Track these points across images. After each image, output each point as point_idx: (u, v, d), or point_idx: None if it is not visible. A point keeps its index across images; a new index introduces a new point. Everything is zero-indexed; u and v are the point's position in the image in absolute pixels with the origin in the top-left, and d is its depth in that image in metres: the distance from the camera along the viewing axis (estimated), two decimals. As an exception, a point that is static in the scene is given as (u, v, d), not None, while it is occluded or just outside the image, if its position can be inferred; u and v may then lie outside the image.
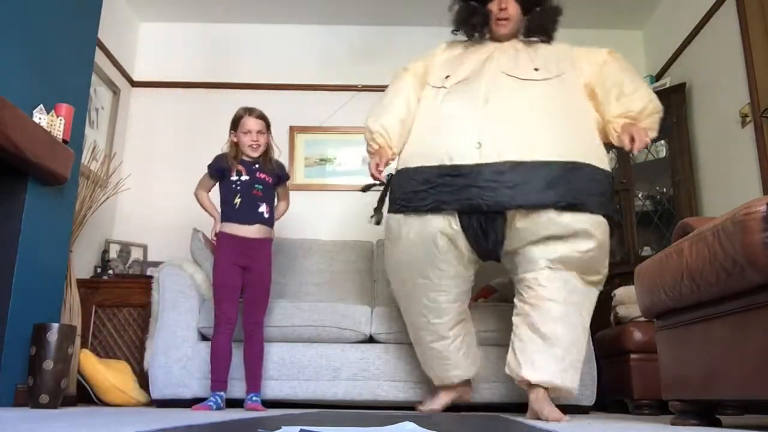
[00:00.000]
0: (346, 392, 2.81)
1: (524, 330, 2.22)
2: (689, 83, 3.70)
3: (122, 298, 3.36)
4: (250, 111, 2.82)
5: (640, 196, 3.81)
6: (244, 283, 2.68)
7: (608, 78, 2.36)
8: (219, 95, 4.19)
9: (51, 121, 2.46)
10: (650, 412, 2.70)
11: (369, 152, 2.52)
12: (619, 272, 3.49)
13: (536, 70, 2.32)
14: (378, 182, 2.46)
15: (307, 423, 1.41)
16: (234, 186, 2.73)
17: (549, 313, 2.19)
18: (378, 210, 2.55)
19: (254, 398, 2.59)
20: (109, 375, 2.89)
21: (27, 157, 2.25)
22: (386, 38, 4.35)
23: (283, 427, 1.23)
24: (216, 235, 2.75)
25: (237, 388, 2.70)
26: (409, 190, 2.29)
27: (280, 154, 2.93)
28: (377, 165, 2.40)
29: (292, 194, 4.16)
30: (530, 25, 2.48)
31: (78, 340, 2.76)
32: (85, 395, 2.87)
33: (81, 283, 3.13)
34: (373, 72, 4.24)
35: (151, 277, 3.13)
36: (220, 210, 2.78)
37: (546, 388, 2.18)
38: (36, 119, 2.39)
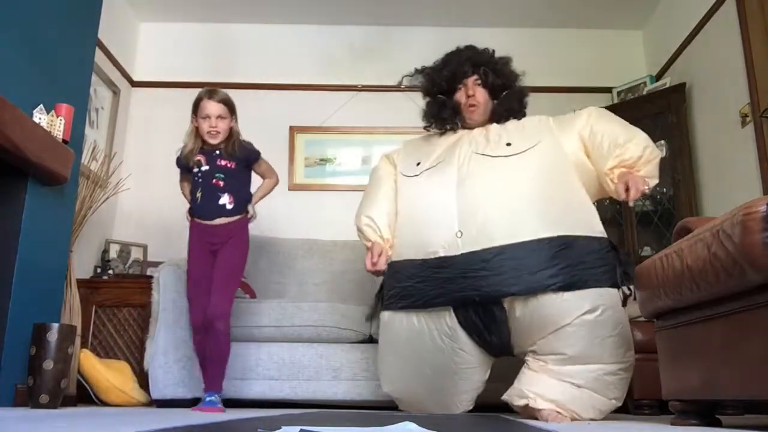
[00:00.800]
0: (346, 392, 2.81)
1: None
2: (689, 83, 3.70)
3: (122, 298, 3.36)
4: (210, 93, 2.59)
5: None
6: (215, 262, 2.55)
7: (598, 132, 2.23)
8: (219, 95, 4.18)
9: (51, 121, 2.46)
10: (650, 412, 2.70)
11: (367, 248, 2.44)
12: (619, 272, 3.49)
13: (508, 145, 2.22)
14: (381, 275, 2.37)
15: (307, 423, 1.41)
16: (196, 178, 2.59)
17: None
18: (375, 309, 2.47)
19: (208, 398, 2.38)
20: (109, 375, 2.89)
21: (27, 157, 2.25)
22: (386, 38, 4.35)
23: (283, 427, 1.23)
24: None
25: (237, 387, 2.70)
26: (398, 285, 2.23)
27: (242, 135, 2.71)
28: (371, 258, 2.32)
29: (292, 194, 4.21)
30: (498, 110, 2.42)
31: (78, 340, 2.76)
32: (85, 395, 2.87)
33: (81, 283, 3.13)
34: (373, 72, 4.25)
35: (151, 277, 3.13)
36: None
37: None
38: (36, 119, 2.39)
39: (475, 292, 2.03)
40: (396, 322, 2.26)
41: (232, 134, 2.63)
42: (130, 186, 3.83)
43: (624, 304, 2.10)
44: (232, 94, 4.03)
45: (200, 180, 2.58)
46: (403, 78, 2.62)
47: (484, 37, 4.33)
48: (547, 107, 4.08)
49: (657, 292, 1.80)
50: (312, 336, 2.87)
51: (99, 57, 3.42)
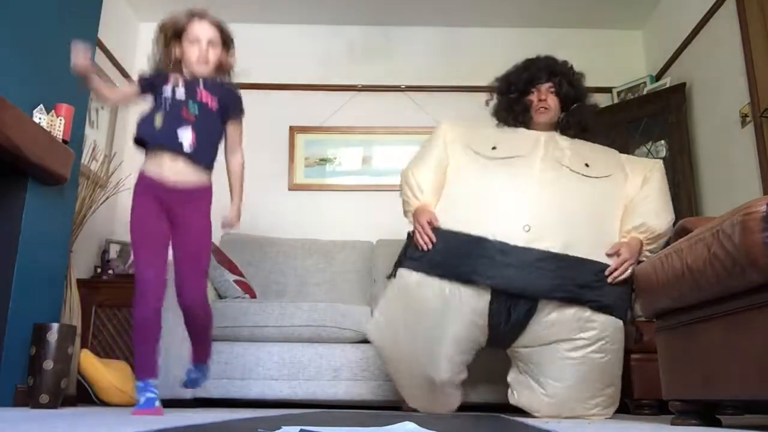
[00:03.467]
0: (346, 392, 2.81)
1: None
2: (689, 83, 3.70)
3: (122, 298, 3.35)
4: (200, 14, 2.16)
5: (640, 196, 3.80)
6: (172, 240, 2.11)
7: (640, 192, 2.36)
8: (219, 95, 4.18)
9: (51, 121, 2.46)
10: (650, 412, 2.70)
11: (406, 209, 2.43)
12: (619, 272, 3.49)
13: (587, 165, 2.33)
14: (427, 245, 2.28)
15: (307, 423, 1.41)
16: (161, 102, 2.09)
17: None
18: (399, 264, 2.40)
19: (193, 374, 2.21)
20: (109, 375, 2.89)
21: (27, 157, 2.25)
22: (386, 38, 4.35)
23: (283, 427, 1.23)
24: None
25: (237, 387, 2.70)
26: (443, 252, 2.23)
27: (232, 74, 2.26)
28: (431, 222, 2.28)
29: (292, 194, 4.20)
30: (568, 119, 2.52)
31: (78, 340, 2.76)
32: (85, 395, 2.87)
33: (81, 283, 3.12)
34: (373, 72, 4.25)
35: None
36: (136, 129, 2.14)
37: None
38: (36, 119, 2.39)
39: (523, 285, 2.14)
40: (428, 288, 2.24)
41: (223, 68, 2.21)
42: (130, 186, 3.82)
43: (629, 342, 2.33)
44: None
45: (167, 104, 2.08)
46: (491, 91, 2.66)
47: (484, 37, 4.38)
48: (547, 107, 4.10)
49: (657, 292, 1.81)
50: (312, 336, 2.87)
51: (99, 57, 3.42)
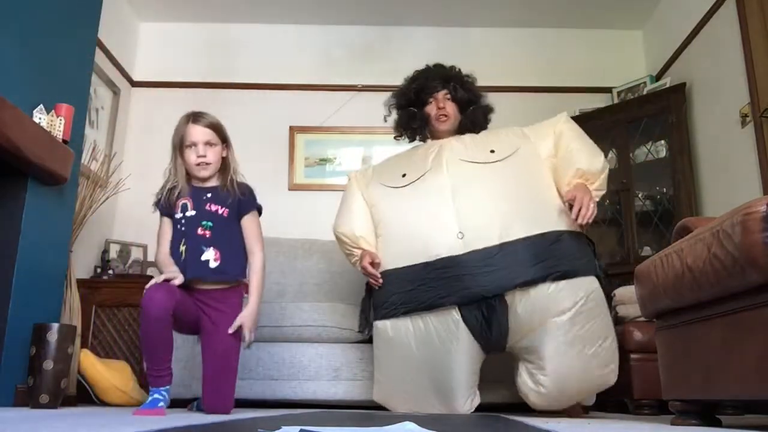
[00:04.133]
0: (346, 392, 2.81)
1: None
2: (689, 83, 3.70)
3: (122, 298, 3.36)
4: (195, 116, 2.17)
5: (640, 196, 3.81)
6: (201, 342, 2.15)
7: (565, 145, 2.37)
8: (219, 95, 4.19)
9: (51, 121, 2.46)
10: (650, 412, 2.70)
11: (352, 261, 2.47)
12: (619, 272, 3.49)
13: (492, 152, 2.36)
14: (376, 282, 2.35)
15: (307, 423, 1.41)
16: (179, 227, 2.16)
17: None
18: (365, 319, 2.45)
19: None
20: (109, 375, 2.89)
21: (27, 157, 2.25)
22: (386, 38, 4.35)
23: (283, 427, 1.23)
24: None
25: (237, 387, 2.69)
26: (398, 291, 2.26)
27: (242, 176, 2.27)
28: (372, 262, 2.33)
29: (293, 194, 4.21)
30: (464, 122, 2.57)
31: (78, 340, 2.76)
32: (85, 395, 2.87)
33: (81, 283, 3.12)
34: (373, 72, 4.26)
35: (151, 276, 3.12)
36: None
37: None
38: (36, 119, 2.39)
39: (482, 288, 2.15)
40: (402, 329, 2.28)
41: (226, 167, 2.20)
42: (130, 186, 3.82)
43: (606, 291, 2.28)
44: (232, 94, 3.94)
45: (184, 229, 2.13)
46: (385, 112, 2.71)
47: (484, 37, 4.38)
48: (548, 107, 4.09)
49: (657, 292, 1.81)
50: (312, 336, 2.87)
51: (99, 57, 3.42)
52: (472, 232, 2.18)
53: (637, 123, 3.83)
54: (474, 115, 2.58)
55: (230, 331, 2.09)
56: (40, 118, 2.41)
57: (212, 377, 2.09)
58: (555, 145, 2.40)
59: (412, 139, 2.65)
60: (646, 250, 3.64)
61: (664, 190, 3.77)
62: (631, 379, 2.76)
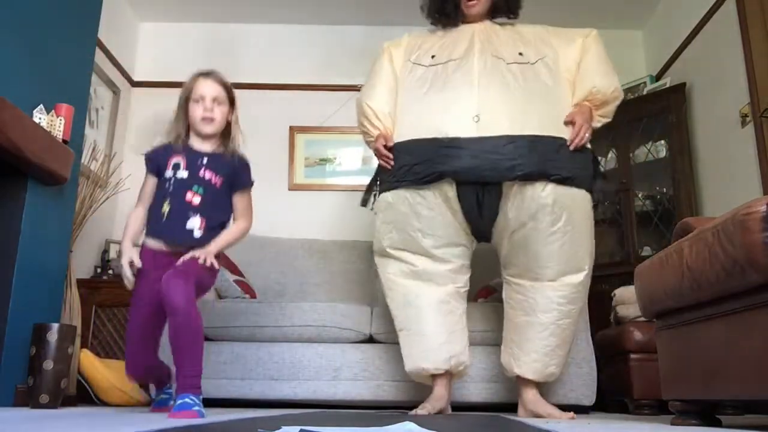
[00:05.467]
0: (346, 392, 2.81)
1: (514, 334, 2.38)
2: (689, 83, 3.70)
3: (122, 298, 3.35)
4: (206, 73, 2.13)
5: (640, 196, 3.81)
6: None
7: (585, 63, 2.43)
8: (219, 95, 4.19)
9: (51, 121, 2.46)
10: (650, 412, 2.70)
11: (367, 139, 2.52)
12: (619, 272, 3.49)
13: (520, 54, 2.40)
14: (387, 163, 2.39)
15: (307, 423, 1.41)
16: (166, 185, 2.04)
17: (541, 328, 2.32)
18: (369, 191, 2.53)
19: (169, 398, 2.07)
20: (109, 375, 2.89)
21: (27, 157, 2.25)
22: (386, 38, 4.33)
23: (283, 427, 1.23)
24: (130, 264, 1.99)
25: (237, 387, 2.69)
26: (405, 164, 2.31)
27: (243, 143, 2.18)
28: (386, 144, 2.38)
29: (292, 194, 4.21)
30: (497, 3, 2.58)
31: (78, 340, 2.76)
32: (85, 395, 2.87)
33: (81, 283, 3.12)
34: (373, 72, 4.25)
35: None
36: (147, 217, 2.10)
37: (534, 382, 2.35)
38: (36, 119, 2.39)
39: (485, 171, 2.20)
40: (399, 200, 2.34)
41: (229, 132, 2.13)
42: (130, 186, 3.82)
43: (595, 209, 2.40)
44: None
45: (171, 189, 2.02)
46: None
47: (484, 37, 4.37)
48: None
49: (657, 292, 1.81)
50: (312, 336, 2.87)
51: (99, 57, 3.42)
52: (487, 118, 2.23)
53: (637, 123, 3.83)
54: None
55: (178, 262, 1.93)
56: (40, 118, 2.41)
57: (171, 274, 1.88)
58: (578, 56, 2.45)
59: (444, 25, 2.63)
60: (646, 250, 3.64)
61: (664, 190, 3.77)
62: (631, 379, 2.76)
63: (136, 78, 4.22)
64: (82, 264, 3.47)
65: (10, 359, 2.29)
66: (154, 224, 2.05)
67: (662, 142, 3.74)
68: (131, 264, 2.00)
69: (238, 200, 2.14)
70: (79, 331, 2.77)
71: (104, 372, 2.89)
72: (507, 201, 2.27)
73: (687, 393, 1.76)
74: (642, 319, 2.70)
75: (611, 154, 3.92)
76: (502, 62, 2.36)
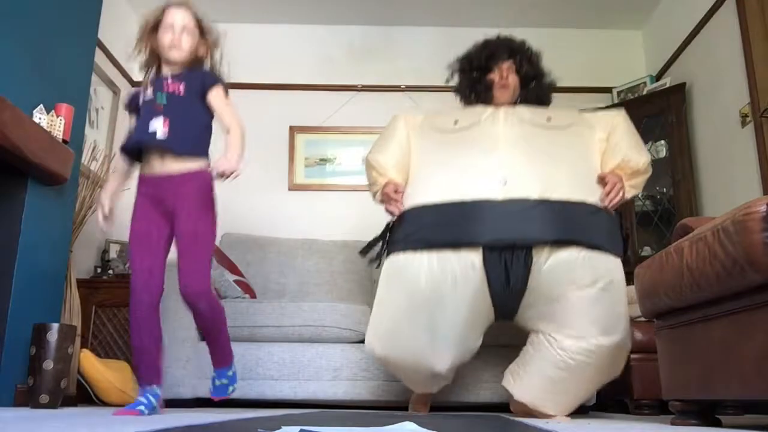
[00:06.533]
0: (346, 392, 2.81)
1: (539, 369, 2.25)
2: (689, 83, 3.70)
3: (122, 298, 3.35)
4: (178, 3, 2.12)
5: (640, 196, 3.80)
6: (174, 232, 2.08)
7: (618, 134, 2.38)
8: (219, 95, 4.19)
9: (51, 121, 2.46)
10: (650, 412, 2.70)
11: (374, 190, 2.45)
12: (619, 272, 3.49)
13: (548, 119, 2.36)
14: (396, 207, 2.31)
15: (307, 423, 1.41)
16: (139, 112, 2.11)
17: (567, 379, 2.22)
18: (371, 246, 2.41)
19: (217, 380, 2.16)
20: (109, 375, 2.89)
21: (27, 157, 2.25)
22: (386, 38, 4.35)
23: (283, 427, 1.23)
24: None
25: (237, 387, 2.69)
26: (426, 225, 2.21)
27: (221, 65, 2.21)
28: (396, 190, 2.31)
29: (292, 194, 4.21)
30: (528, 97, 2.54)
31: (78, 340, 2.76)
32: (85, 395, 2.87)
33: (81, 283, 3.12)
34: (373, 72, 4.26)
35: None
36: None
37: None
38: (36, 119, 2.39)
39: (515, 235, 2.11)
40: (416, 263, 2.20)
41: (198, 59, 2.13)
42: (130, 186, 3.82)
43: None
44: (232, 93, 3.92)
45: (141, 115, 2.08)
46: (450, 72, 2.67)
47: (484, 37, 4.37)
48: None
49: (657, 292, 1.80)
50: (312, 336, 2.87)
51: (99, 57, 3.42)
52: (515, 181, 2.15)
53: (637, 123, 3.80)
54: (538, 90, 2.56)
55: (214, 173, 1.96)
56: (40, 118, 2.41)
57: (181, 265, 2.02)
58: (609, 133, 2.40)
59: (472, 102, 2.59)
60: (646, 250, 3.64)
61: (664, 190, 3.77)
62: (631, 379, 2.76)
63: (136, 78, 4.21)
64: (82, 264, 3.47)
65: (10, 359, 2.29)
66: (127, 141, 2.12)
67: (662, 142, 3.74)
68: (104, 213, 2.18)
69: (214, 103, 2.08)
70: (79, 331, 2.77)
71: (104, 372, 2.89)
72: (539, 267, 2.13)
73: (687, 393, 1.76)
74: (642, 319, 2.70)
75: (611, 154, 3.92)
76: (530, 125, 2.31)
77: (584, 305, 2.14)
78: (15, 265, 2.34)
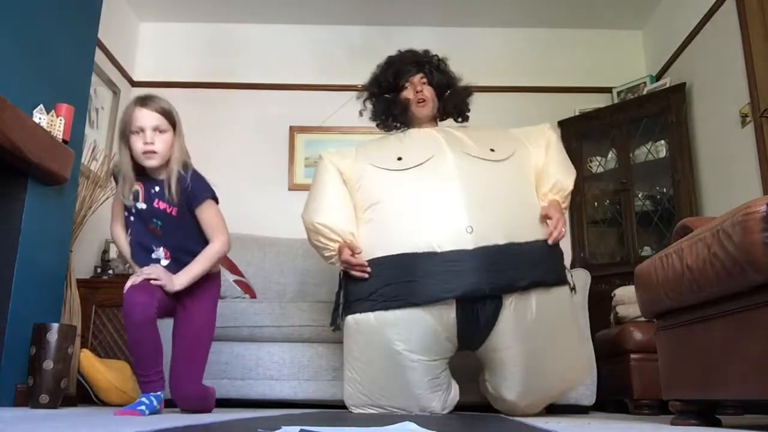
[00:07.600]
0: (346, 392, 2.80)
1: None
2: (689, 83, 3.70)
3: (122, 298, 3.35)
4: (142, 100, 1.99)
5: (640, 196, 3.81)
6: (173, 324, 2.10)
7: (549, 158, 2.38)
8: (219, 95, 4.20)
9: (51, 121, 2.46)
10: (650, 412, 2.70)
11: (327, 255, 2.31)
12: (619, 272, 3.50)
13: (492, 150, 2.30)
14: (364, 272, 2.17)
15: (307, 423, 1.41)
16: (130, 217, 2.05)
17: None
18: (338, 314, 2.29)
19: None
20: (109, 375, 2.89)
21: (27, 157, 2.25)
22: (386, 38, 4.35)
23: (283, 427, 1.23)
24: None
25: (237, 387, 2.69)
26: (394, 282, 2.10)
27: (191, 163, 2.08)
28: (352, 253, 2.18)
29: (292, 194, 4.20)
30: (445, 107, 2.51)
31: (78, 340, 2.76)
32: (85, 395, 2.87)
33: (81, 283, 3.12)
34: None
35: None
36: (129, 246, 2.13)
37: None
38: (36, 119, 2.39)
39: (489, 284, 2.07)
40: (389, 325, 2.12)
41: (171, 160, 2.01)
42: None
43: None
44: (232, 94, 3.90)
45: (133, 219, 2.03)
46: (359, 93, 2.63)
47: (484, 37, 4.38)
48: (548, 107, 4.10)
49: (657, 292, 1.80)
50: (312, 336, 2.87)
51: (99, 57, 3.42)
52: (481, 228, 2.10)
53: (637, 123, 3.83)
54: (455, 99, 2.51)
55: (164, 281, 1.95)
56: (40, 118, 2.41)
57: (180, 369, 2.03)
58: (546, 147, 2.40)
59: (391, 128, 2.53)
60: (646, 250, 3.65)
61: (664, 190, 3.77)
62: (631, 379, 2.76)
63: (136, 78, 4.22)
64: (82, 264, 3.47)
65: (10, 359, 2.29)
66: (132, 252, 2.09)
67: (662, 142, 3.74)
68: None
69: (203, 218, 2.05)
70: (79, 331, 2.77)
71: (104, 372, 2.89)
72: (507, 312, 2.11)
73: (687, 393, 1.76)
74: (642, 319, 2.71)
75: (611, 154, 3.92)
76: (478, 160, 2.24)
77: (544, 331, 2.18)
78: (15, 265, 2.34)
